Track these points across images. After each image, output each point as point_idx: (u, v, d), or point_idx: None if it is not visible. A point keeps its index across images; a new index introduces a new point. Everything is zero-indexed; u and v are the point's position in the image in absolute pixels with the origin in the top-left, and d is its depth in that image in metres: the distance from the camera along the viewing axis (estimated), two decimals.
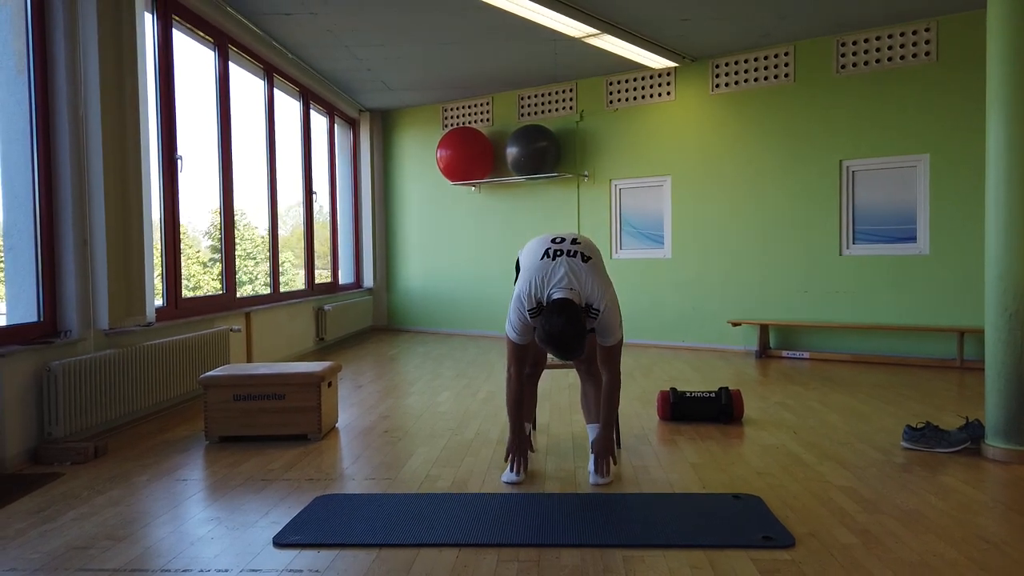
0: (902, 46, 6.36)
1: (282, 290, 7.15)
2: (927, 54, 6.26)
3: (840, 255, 6.73)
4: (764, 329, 6.95)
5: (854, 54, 6.58)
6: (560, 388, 5.39)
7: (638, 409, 4.66)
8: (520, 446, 3.24)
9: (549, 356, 3.69)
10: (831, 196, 6.76)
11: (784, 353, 6.88)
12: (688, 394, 4.35)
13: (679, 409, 4.30)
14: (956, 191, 6.18)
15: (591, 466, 3.25)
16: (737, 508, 2.84)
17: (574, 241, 3.19)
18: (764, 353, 6.92)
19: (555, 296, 2.99)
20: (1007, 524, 2.67)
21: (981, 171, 5.83)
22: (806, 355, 6.75)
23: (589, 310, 3.06)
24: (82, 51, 4.03)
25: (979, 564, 2.32)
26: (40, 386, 3.74)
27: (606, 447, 3.19)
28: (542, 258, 3.12)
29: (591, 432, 3.34)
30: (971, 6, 5.92)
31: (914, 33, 6.30)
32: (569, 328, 2.87)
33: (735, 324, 7.07)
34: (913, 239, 6.41)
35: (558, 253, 3.12)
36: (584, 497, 3.01)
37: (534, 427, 3.87)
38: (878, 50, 6.47)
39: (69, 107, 3.97)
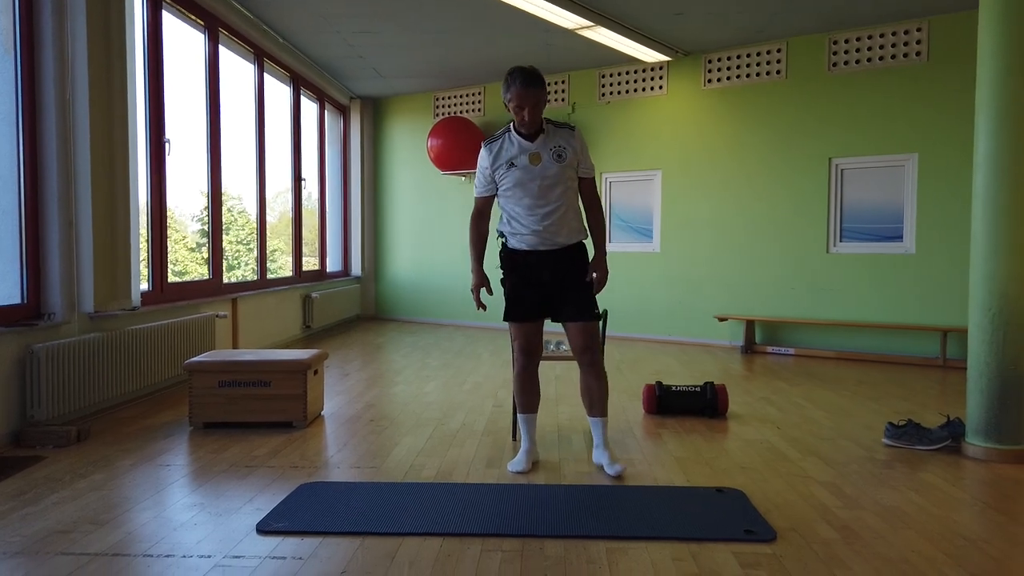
0: (893, 45, 6.39)
1: (271, 277, 7.12)
2: (918, 54, 6.29)
3: (827, 252, 6.77)
4: (750, 324, 6.98)
5: (846, 52, 6.60)
6: (547, 380, 5.40)
7: (624, 402, 4.68)
8: (479, 287, 3.39)
9: (545, 347, 3.68)
10: (820, 193, 6.79)
11: (769, 349, 6.92)
12: (674, 388, 4.37)
13: (664, 403, 4.32)
14: (943, 191, 6.22)
15: (602, 458, 3.23)
16: (720, 502, 2.86)
17: None
18: (750, 348, 6.96)
19: None
20: (986, 521, 2.71)
21: (969, 172, 5.86)
22: (791, 351, 6.79)
23: (564, 124, 3.27)
24: (70, 31, 3.98)
25: (957, 560, 2.35)
26: (23, 369, 3.71)
27: (606, 270, 3.29)
28: None
29: (594, 427, 3.28)
30: (962, 6, 5.95)
31: (906, 32, 6.33)
32: (534, 68, 3.13)
33: (721, 319, 7.10)
34: (900, 238, 6.46)
35: None
36: (568, 488, 3.02)
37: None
38: (870, 49, 6.49)
39: (56, 87, 3.92)
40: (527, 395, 3.35)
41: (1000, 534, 2.58)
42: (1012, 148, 3.42)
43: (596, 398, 3.27)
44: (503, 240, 3.34)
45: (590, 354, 3.25)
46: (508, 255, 3.32)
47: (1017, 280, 3.44)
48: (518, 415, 3.38)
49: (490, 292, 3.39)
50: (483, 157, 3.26)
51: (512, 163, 3.17)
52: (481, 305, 3.39)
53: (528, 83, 3.07)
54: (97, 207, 4.11)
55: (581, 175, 3.28)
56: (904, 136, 6.39)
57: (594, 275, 3.27)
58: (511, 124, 3.23)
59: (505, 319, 3.32)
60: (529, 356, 3.33)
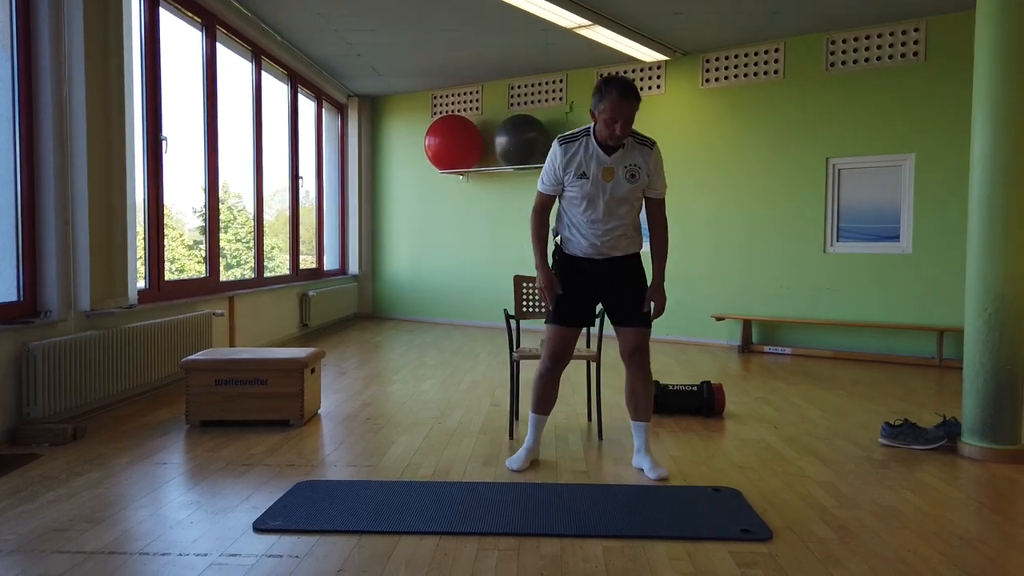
0: (891, 46, 6.39)
1: (269, 275, 7.11)
2: (915, 54, 6.30)
3: (824, 252, 6.78)
4: (747, 324, 6.99)
5: (844, 52, 6.60)
6: None
7: (620, 401, 4.67)
8: (549, 284, 3.18)
9: (544, 347, 3.65)
10: (817, 193, 6.80)
11: (766, 348, 6.93)
12: (671, 387, 4.38)
13: (661, 402, 4.32)
14: (940, 191, 6.23)
15: (644, 463, 3.22)
16: (716, 501, 2.87)
17: None
18: (747, 348, 6.97)
19: None
20: (981, 521, 2.71)
21: (965, 172, 5.87)
22: (788, 351, 6.80)
23: (645, 139, 3.14)
24: (67, 28, 3.97)
25: (952, 560, 2.35)
26: (19, 366, 3.71)
27: (664, 298, 3.21)
28: None
29: (637, 431, 3.25)
30: (959, 7, 5.96)
31: (903, 33, 6.33)
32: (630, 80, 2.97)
33: (719, 319, 7.11)
34: (896, 238, 6.47)
35: None
36: (565, 488, 3.02)
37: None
38: (867, 49, 6.50)
39: (53, 84, 3.91)
40: (546, 397, 3.32)
41: (996, 534, 2.59)
42: (1008, 148, 3.43)
43: (642, 402, 3.24)
44: (557, 239, 3.26)
45: (640, 356, 3.20)
46: (562, 256, 3.23)
47: (1013, 280, 3.45)
48: (530, 413, 3.34)
49: (559, 290, 3.20)
50: (556, 154, 3.10)
51: (584, 174, 3.05)
52: (551, 304, 3.21)
53: (625, 95, 2.92)
54: (94, 205, 4.10)
55: (650, 195, 3.16)
56: (901, 136, 6.40)
57: (651, 304, 3.19)
58: (591, 128, 3.08)
59: (548, 321, 3.25)
60: (557, 361, 3.27)
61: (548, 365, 3.27)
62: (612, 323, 3.27)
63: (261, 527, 2.56)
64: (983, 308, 3.50)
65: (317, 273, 8.57)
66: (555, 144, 3.13)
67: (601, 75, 3.01)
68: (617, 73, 2.99)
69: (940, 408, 4.49)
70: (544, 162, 3.22)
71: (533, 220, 3.24)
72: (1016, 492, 3.04)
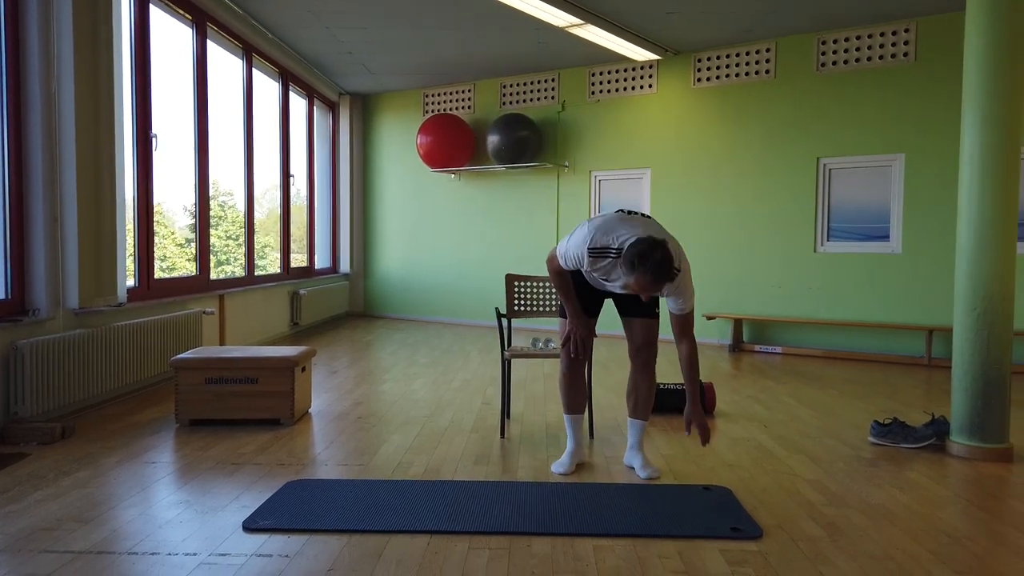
0: (881, 46, 6.42)
1: (260, 273, 7.08)
2: (905, 55, 6.33)
3: (815, 252, 6.81)
4: (738, 323, 7.01)
5: (834, 52, 6.63)
6: (535, 378, 5.40)
7: (612, 400, 4.69)
8: (591, 334, 3.17)
9: (533, 345, 3.64)
10: (808, 193, 6.82)
11: (757, 347, 6.95)
12: (662, 386, 4.38)
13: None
14: (929, 191, 6.27)
15: (635, 461, 3.22)
16: (707, 499, 2.87)
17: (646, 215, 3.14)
18: (737, 347, 6.99)
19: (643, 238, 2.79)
20: (969, 519, 2.73)
21: (954, 172, 5.92)
22: (778, 350, 6.83)
23: (673, 270, 2.93)
24: (55, 23, 3.94)
25: (940, 558, 2.37)
26: (7, 365, 3.68)
27: (703, 417, 3.00)
28: (616, 212, 3.07)
29: (633, 428, 3.25)
30: (950, 7, 5.99)
31: (894, 33, 6.36)
32: (666, 254, 2.72)
33: (709, 318, 7.13)
34: (886, 238, 6.50)
35: (633, 214, 3.07)
36: (556, 486, 3.02)
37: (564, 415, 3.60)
38: (858, 49, 6.53)
39: (41, 80, 3.88)
40: (573, 395, 3.30)
41: (983, 531, 2.60)
42: (998, 148, 3.45)
43: (643, 399, 3.24)
44: None
45: (647, 351, 3.22)
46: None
47: (1002, 280, 3.47)
48: (564, 415, 3.33)
49: (595, 335, 3.26)
50: (582, 256, 2.94)
51: (607, 280, 3.01)
52: (583, 353, 3.20)
53: (657, 280, 2.72)
54: (82, 202, 4.08)
55: (671, 309, 3.03)
56: (891, 136, 6.43)
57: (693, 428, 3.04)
58: (622, 252, 2.85)
59: (561, 315, 3.26)
60: (576, 355, 3.26)
61: (567, 361, 3.27)
62: (620, 316, 3.27)
63: (251, 526, 2.55)
64: (972, 307, 3.52)
65: (308, 271, 8.55)
66: (584, 247, 2.93)
67: (636, 248, 2.78)
68: (650, 250, 2.73)
69: (929, 407, 4.51)
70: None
71: (554, 276, 3.13)
72: (1004, 490, 3.06)
